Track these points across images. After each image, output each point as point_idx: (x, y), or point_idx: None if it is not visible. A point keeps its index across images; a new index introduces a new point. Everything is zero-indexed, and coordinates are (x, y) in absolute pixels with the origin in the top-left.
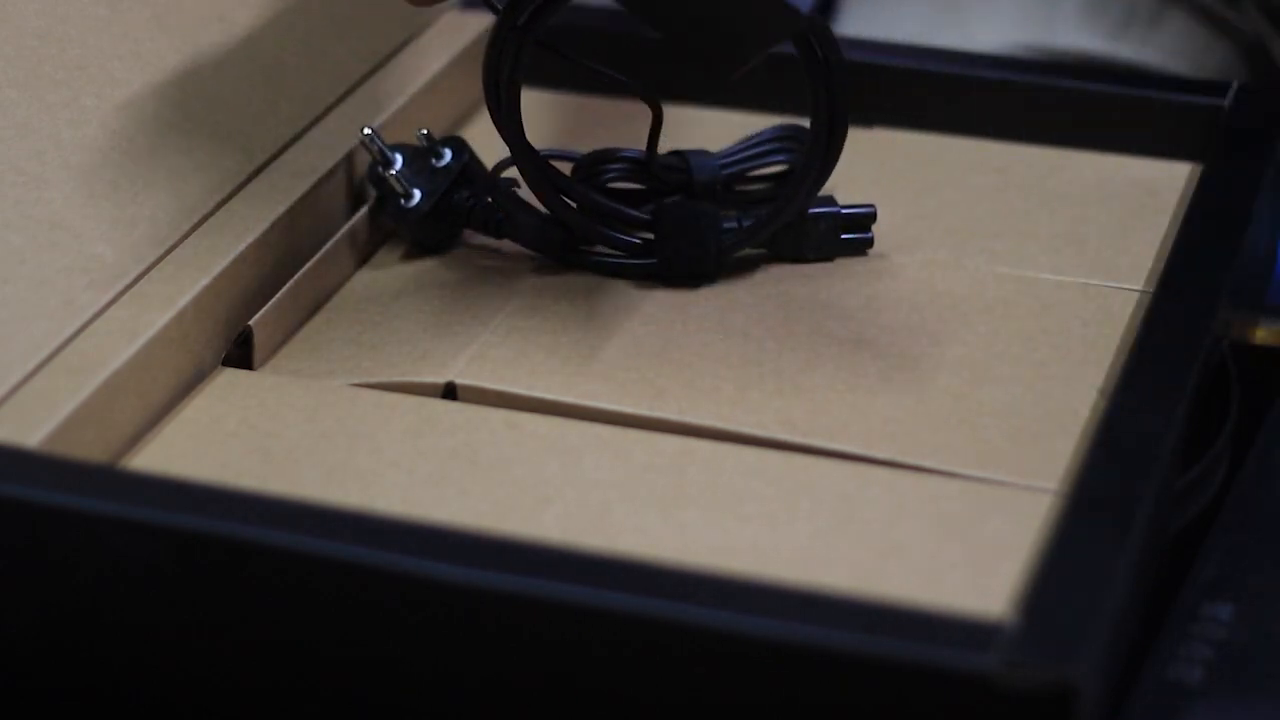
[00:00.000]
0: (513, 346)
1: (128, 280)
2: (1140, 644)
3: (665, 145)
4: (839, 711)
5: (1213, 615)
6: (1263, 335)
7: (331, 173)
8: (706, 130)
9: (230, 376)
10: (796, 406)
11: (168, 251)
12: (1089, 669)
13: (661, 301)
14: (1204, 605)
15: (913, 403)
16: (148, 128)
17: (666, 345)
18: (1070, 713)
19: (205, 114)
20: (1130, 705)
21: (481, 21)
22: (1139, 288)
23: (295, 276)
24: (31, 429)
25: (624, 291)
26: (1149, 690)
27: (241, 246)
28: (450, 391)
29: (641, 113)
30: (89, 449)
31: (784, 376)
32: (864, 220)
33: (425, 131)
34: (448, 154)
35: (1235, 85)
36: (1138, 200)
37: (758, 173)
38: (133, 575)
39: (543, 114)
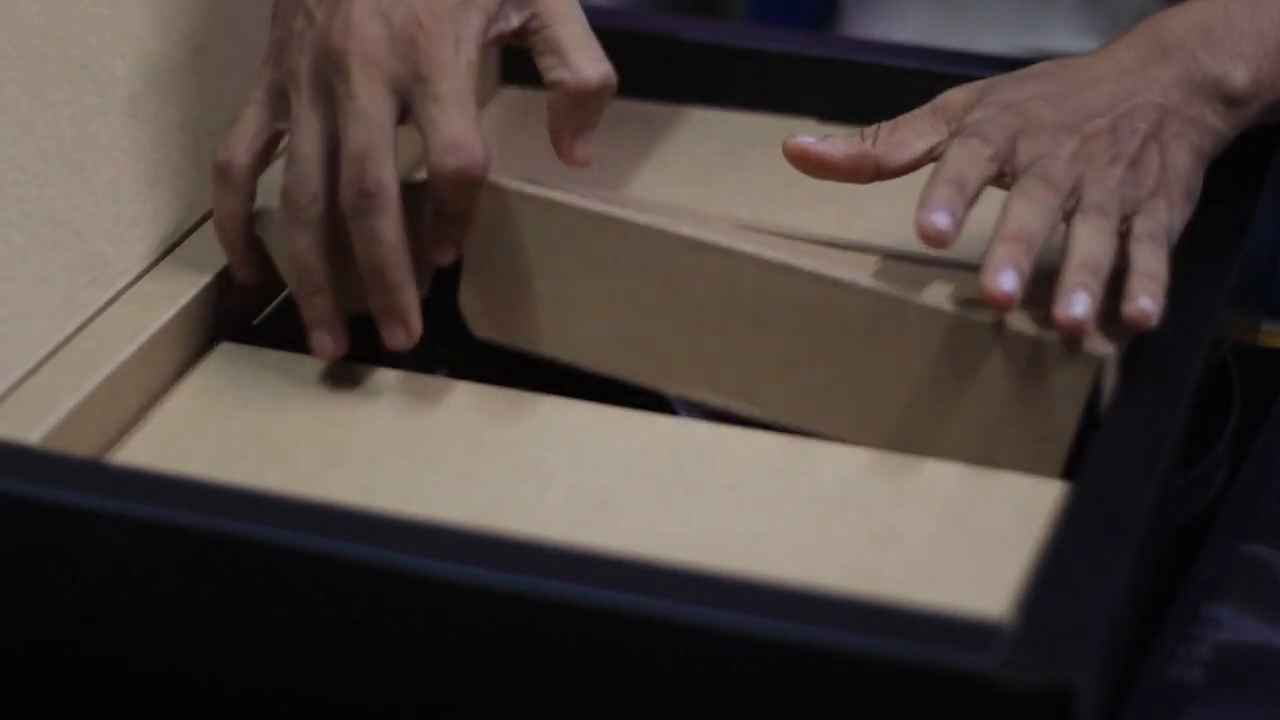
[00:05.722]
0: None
1: (129, 278)
2: (1140, 644)
3: (658, 146)
4: (838, 711)
5: (1213, 615)
6: (1265, 336)
7: None
8: (706, 130)
9: (230, 351)
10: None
11: (170, 249)
12: (1088, 670)
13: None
14: (1204, 605)
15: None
16: (150, 126)
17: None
18: (1069, 713)
19: (208, 112)
20: (1130, 705)
21: None
22: None
23: None
24: (33, 425)
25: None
26: (1149, 690)
27: None
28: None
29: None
30: (90, 446)
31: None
32: None
33: None
34: None
35: None
36: None
37: None
38: (133, 570)
39: (533, 115)
